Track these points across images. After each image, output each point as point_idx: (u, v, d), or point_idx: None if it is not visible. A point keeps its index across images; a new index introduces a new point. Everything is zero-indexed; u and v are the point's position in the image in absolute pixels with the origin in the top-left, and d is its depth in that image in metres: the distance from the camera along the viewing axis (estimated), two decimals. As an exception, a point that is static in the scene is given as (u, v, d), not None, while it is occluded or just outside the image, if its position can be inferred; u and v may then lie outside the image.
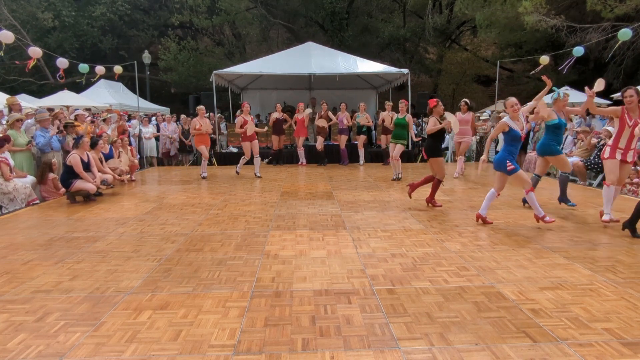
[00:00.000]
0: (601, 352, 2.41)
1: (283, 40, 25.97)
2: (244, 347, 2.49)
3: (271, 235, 4.81)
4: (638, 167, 7.40)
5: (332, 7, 22.41)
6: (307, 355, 2.41)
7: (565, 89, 15.74)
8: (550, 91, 5.93)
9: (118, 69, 12.70)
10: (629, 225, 4.73)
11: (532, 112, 6.06)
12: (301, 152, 11.72)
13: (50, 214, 6.09)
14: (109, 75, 14.50)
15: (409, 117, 8.71)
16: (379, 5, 25.05)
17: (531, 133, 11.30)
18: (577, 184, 8.29)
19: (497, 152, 12.28)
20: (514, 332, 2.63)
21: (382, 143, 11.77)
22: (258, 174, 9.53)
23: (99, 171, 7.25)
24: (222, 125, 13.88)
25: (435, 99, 6.35)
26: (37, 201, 6.96)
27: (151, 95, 21.15)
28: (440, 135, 6.24)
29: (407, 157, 12.87)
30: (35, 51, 9.59)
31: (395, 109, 9.60)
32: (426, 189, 6.55)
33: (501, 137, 5.43)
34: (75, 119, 8.81)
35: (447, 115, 6.22)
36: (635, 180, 7.37)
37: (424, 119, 14.89)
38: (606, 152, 5.21)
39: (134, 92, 15.63)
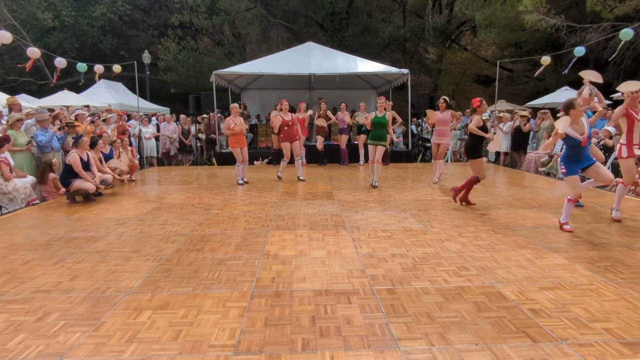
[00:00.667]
0: (601, 352, 2.41)
1: (283, 40, 25.96)
2: (244, 347, 2.50)
3: (271, 235, 4.81)
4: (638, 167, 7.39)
5: (332, 7, 22.40)
6: (307, 355, 2.41)
7: (565, 89, 15.78)
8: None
9: (117, 68, 12.70)
10: None
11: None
12: (301, 151, 11.71)
13: (50, 214, 6.09)
14: (109, 75, 14.50)
15: (388, 115, 7.93)
16: (379, 5, 25.03)
17: (531, 133, 11.32)
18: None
19: (496, 151, 12.22)
20: (514, 332, 2.63)
21: (359, 142, 11.36)
22: (301, 177, 8.83)
23: (98, 171, 7.25)
24: (222, 125, 13.87)
25: (479, 99, 6.21)
26: (37, 201, 6.96)
27: (151, 95, 21.14)
28: (480, 136, 6.07)
29: (407, 157, 12.89)
30: (33, 51, 9.59)
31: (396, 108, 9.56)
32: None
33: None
34: (76, 119, 8.83)
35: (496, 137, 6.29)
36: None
37: (423, 119, 14.91)
38: (623, 151, 5.13)
39: (134, 92, 15.62)
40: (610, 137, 8.33)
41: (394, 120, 11.50)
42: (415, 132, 14.48)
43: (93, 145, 7.47)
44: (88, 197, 6.93)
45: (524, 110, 12.51)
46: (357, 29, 23.75)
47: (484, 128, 6.12)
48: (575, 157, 4.80)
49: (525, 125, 10.91)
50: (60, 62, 10.63)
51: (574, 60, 10.98)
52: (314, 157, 11.90)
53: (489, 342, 2.51)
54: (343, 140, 11.79)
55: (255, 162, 12.01)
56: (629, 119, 5.04)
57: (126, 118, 11.80)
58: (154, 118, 14.13)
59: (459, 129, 13.68)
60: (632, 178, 5.08)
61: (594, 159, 4.91)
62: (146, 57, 20.02)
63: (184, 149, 13.13)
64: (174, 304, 3.08)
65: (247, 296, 3.20)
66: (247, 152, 8.66)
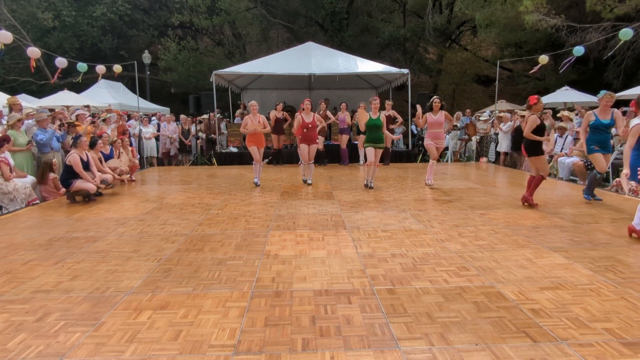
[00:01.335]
0: (601, 352, 2.41)
1: (283, 40, 25.96)
2: (244, 347, 2.49)
3: (271, 235, 4.81)
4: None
5: (332, 7, 22.40)
6: (307, 355, 2.41)
7: (565, 89, 15.78)
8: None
9: (117, 68, 12.71)
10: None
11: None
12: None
13: (50, 214, 6.09)
14: (109, 75, 14.50)
15: (383, 117, 7.55)
16: (379, 5, 25.04)
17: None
18: (577, 184, 8.29)
19: (497, 152, 12.21)
20: (514, 332, 2.63)
21: (359, 142, 11.23)
22: (309, 181, 8.39)
23: (98, 171, 7.25)
24: (222, 125, 13.89)
25: (536, 96, 6.15)
26: (37, 201, 6.97)
27: (151, 95, 21.13)
28: (539, 133, 5.99)
29: (407, 157, 12.88)
30: (33, 51, 9.60)
31: (394, 108, 9.49)
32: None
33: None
34: (76, 119, 8.83)
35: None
36: None
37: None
38: None
39: (134, 92, 15.62)
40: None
41: (394, 119, 11.52)
42: (415, 132, 14.47)
43: (92, 145, 7.47)
44: (88, 197, 6.93)
45: (524, 110, 12.51)
46: (357, 29, 23.76)
47: (541, 127, 5.95)
48: None
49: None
50: (61, 62, 10.64)
51: (572, 59, 10.98)
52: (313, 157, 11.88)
53: (489, 342, 2.51)
54: (343, 140, 11.79)
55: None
56: None
57: (126, 118, 11.80)
58: (154, 118, 14.13)
59: (459, 129, 13.68)
60: None
61: None
62: (146, 57, 20.02)
63: (184, 149, 13.13)
64: (174, 304, 3.08)
65: (247, 296, 3.20)
66: (261, 152, 8.34)
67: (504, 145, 11.54)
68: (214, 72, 12.76)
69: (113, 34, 24.16)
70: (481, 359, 2.36)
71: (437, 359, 2.36)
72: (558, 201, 6.52)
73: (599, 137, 6.19)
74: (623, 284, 3.34)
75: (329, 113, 12.07)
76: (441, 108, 7.84)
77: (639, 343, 2.50)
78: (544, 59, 11.62)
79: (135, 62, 13.51)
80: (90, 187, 6.79)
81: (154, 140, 12.67)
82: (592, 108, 7.51)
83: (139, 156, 11.39)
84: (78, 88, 16.27)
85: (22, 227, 5.34)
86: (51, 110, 9.83)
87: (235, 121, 13.91)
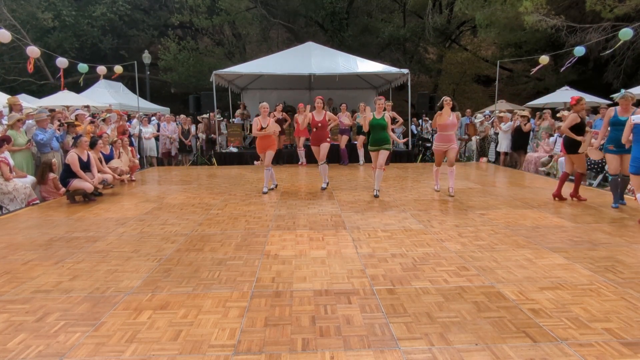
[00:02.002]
0: (601, 352, 2.41)
1: (283, 40, 25.97)
2: (244, 347, 2.50)
3: (271, 235, 4.81)
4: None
5: (332, 7, 22.40)
6: (307, 355, 2.41)
7: (565, 89, 15.79)
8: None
9: (118, 69, 12.71)
10: None
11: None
12: (301, 152, 11.71)
13: (50, 214, 6.09)
14: (109, 75, 14.50)
15: (387, 117, 7.05)
16: (379, 5, 25.05)
17: (531, 133, 11.32)
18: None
19: (497, 152, 12.20)
20: (514, 332, 2.63)
21: (358, 142, 11.41)
22: (324, 185, 7.90)
23: (98, 171, 7.25)
24: (222, 125, 13.89)
25: (577, 97, 6.31)
26: (37, 201, 6.96)
27: (151, 95, 21.14)
28: (578, 131, 6.10)
29: (407, 157, 12.88)
30: (33, 51, 9.59)
31: (397, 108, 9.45)
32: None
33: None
34: (76, 119, 8.83)
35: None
36: None
37: (424, 118, 14.91)
38: None
39: (134, 92, 15.62)
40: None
41: (394, 120, 11.51)
42: (415, 132, 14.48)
43: (92, 145, 7.47)
44: (88, 197, 6.93)
45: (524, 110, 12.52)
46: (357, 29, 23.76)
47: (580, 126, 6.02)
48: None
49: (525, 125, 10.92)
50: (62, 62, 10.64)
51: (573, 59, 10.98)
52: (313, 157, 11.87)
53: (489, 342, 2.51)
54: (343, 140, 11.79)
55: (255, 162, 12.02)
56: None
57: (126, 118, 11.80)
58: (154, 118, 14.12)
59: (459, 129, 13.68)
60: None
61: None
62: (146, 57, 20.02)
63: (184, 149, 13.13)
64: (174, 304, 3.08)
65: (247, 296, 3.20)
66: (271, 156, 7.52)
67: (504, 145, 11.54)
68: (214, 72, 12.75)
69: (113, 34, 24.16)
70: (481, 359, 2.36)
71: (437, 359, 2.36)
72: (558, 201, 6.52)
73: (617, 134, 6.05)
74: (623, 284, 3.34)
75: (330, 114, 12.06)
76: (452, 109, 7.09)
77: (639, 343, 2.50)
78: (544, 59, 11.62)
79: (135, 62, 13.51)
80: (87, 186, 6.78)
81: (153, 140, 12.67)
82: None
83: (139, 156, 11.39)
84: (78, 88, 16.25)
85: (22, 227, 5.34)
86: (51, 110, 9.83)
87: (236, 121, 13.90)
